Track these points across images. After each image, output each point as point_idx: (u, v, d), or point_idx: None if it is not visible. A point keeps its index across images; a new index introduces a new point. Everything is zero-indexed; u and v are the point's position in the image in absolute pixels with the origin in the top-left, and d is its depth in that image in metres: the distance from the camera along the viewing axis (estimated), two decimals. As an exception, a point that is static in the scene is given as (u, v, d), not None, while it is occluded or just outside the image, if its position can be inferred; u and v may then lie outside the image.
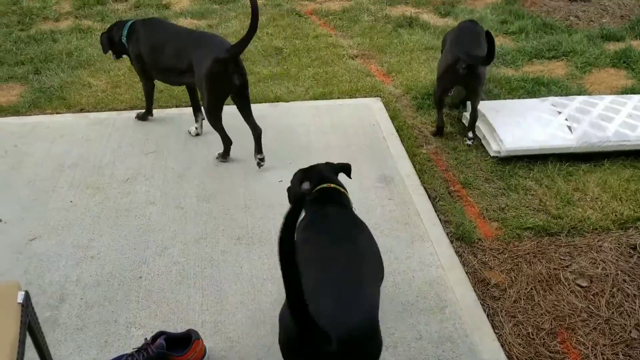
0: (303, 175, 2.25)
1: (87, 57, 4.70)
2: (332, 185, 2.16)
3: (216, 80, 3.00)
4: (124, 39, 3.39)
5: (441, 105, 3.58)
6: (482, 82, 3.46)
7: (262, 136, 3.25)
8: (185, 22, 5.51)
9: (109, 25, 3.56)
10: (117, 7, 5.79)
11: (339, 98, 4.09)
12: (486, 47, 3.16)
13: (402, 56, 4.81)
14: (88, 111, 3.88)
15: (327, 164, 2.33)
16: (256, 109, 3.83)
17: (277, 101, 4.06)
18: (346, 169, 2.37)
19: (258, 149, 3.24)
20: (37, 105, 3.94)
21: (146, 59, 3.33)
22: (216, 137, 3.32)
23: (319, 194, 2.12)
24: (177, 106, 3.96)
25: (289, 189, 2.37)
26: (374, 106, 3.92)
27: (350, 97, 4.11)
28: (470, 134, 3.56)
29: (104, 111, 3.88)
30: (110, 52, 3.55)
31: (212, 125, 3.22)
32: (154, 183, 3.12)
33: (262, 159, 3.23)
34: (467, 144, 3.53)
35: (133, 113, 3.80)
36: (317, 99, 4.09)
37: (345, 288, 1.66)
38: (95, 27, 5.27)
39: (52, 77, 4.33)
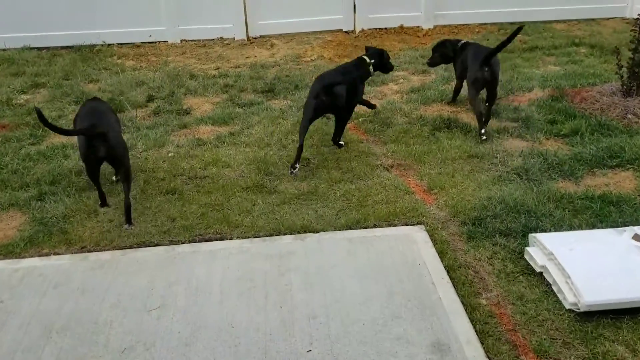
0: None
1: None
2: None
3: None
4: None
5: (479, 104, 4.72)
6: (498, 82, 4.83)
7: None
8: (206, 129, 5.15)
9: None
10: (136, 114, 5.49)
11: (375, 226, 3.56)
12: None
13: (444, 167, 4.29)
14: (89, 250, 3.41)
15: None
16: (282, 243, 3.35)
17: (305, 230, 3.54)
18: None
19: (127, 218, 3.62)
20: (34, 243, 3.50)
21: None
22: (229, 281, 2.78)
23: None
24: (190, 241, 3.47)
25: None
26: (418, 238, 3.36)
27: (389, 223, 3.58)
28: (483, 131, 4.66)
29: (107, 249, 3.41)
30: None
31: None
32: (155, 355, 2.57)
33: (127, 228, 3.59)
34: (483, 138, 4.63)
35: (140, 252, 3.32)
36: (350, 227, 3.56)
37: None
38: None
39: (57, 203, 3.91)
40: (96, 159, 3.59)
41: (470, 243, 3.38)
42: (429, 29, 7.97)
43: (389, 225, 3.55)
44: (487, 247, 3.31)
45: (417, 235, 3.38)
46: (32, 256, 3.37)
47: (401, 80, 6.21)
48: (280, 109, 5.55)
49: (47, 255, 3.38)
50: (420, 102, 5.52)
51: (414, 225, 3.53)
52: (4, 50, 7.38)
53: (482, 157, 4.40)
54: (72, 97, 5.90)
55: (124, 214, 3.65)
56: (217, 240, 3.45)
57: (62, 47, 7.55)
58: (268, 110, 5.53)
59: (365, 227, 3.54)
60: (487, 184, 4.00)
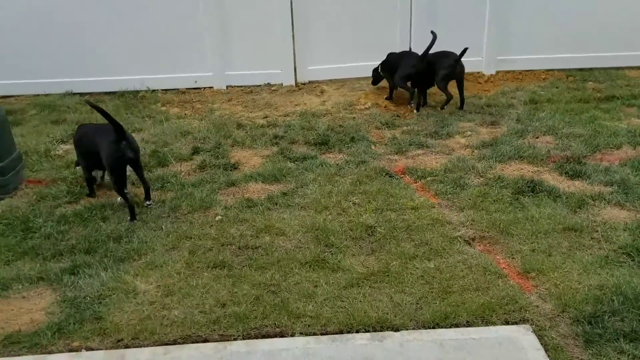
0: None
1: (139, 244, 3.83)
2: None
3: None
4: None
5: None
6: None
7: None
8: (257, 188, 4.65)
9: None
10: (181, 169, 5.04)
11: (468, 323, 2.93)
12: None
13: (536, 242, 3.66)
14: (126, 345, 2.88)
15: None
16: (356, 344, 2.78)
17: (381, 326, 2.94)
18: None
19: (147, 196, 4.35)
20: (64, 332, 2.99)
21: None
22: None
23: None
24: (245, 336, 2.90)
25: None
26: (525, 343, 2.72)
27: (485, 320, 2.95)
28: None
29: (147, 345, 2.87)
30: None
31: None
32: None
33: (149, 205, 4.30)
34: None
35: (185, 351, 2.77)
36: (437, 323, 2.95)
37: None
38: (152, 199, 4.46)
39: (92, 279, 3.43)
40: (124, 162, 4.06)
41: (589, 350, 2.72)
42: (491, 75, 7.41)
43: (485, 322, 2.92)
44: (613, 358, 2.65)
45: (524, 339, 2.74)
46: (60, 350, 2.86)
47: (468, 132, 5.63)
48: (337, 164, 5.02)
49: (77, 349, 2.86)
50: (495, 159, 4.92)
51: (516, 323, 2.89)
52: (46, 95, 7.12)
53: (580, 231, 3.76)
54: (113, 148, 5.49)
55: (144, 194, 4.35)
56: (276, 336, 2.88)
57: (105, 93, 7.27)
58: (323, 165, 5.01)
59: (457, 325, 2.92)
60: (594, 267, 3.35)
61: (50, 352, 2.83)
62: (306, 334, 2.88)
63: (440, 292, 3.19)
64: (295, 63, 7.41)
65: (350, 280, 3.35)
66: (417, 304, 3.12)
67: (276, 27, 7.19)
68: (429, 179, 4.66)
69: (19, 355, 2.83)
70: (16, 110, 6.70)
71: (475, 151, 5.16)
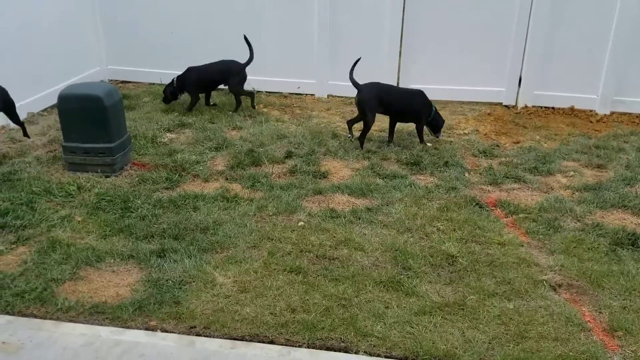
0: None
1: (223, 237, 3.99)
2: None
3: None
4: None
5: None
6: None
7: None
8: (342, 199, 4.69)
9: None
10: (273, 170, 5.18)
11: (541, 374, 2.78)
12: None
13: (629, 299, 3.41)
14: (198, 333, 3.00)
15: None
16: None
17: (448, 360, 2.86)
18: None
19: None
20: (144, 310, 3.18)
21: None
22: None
23: None
24: (310, 345, 2.92)
25: None
26: (601, 407, 2.54)
27: (559, 373, 2.78)
28: None
29: (217, 336, 2.98)
30: None
31: None
32: None
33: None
34: None
35: (250, 349, 2.85)
36: (506, 367, 2.82)
37: None
38: (242, 196, 4.64)
39: (176, 264, 3.62)
40: None
41: None
42: (605, 114, 6.97)
43: (560, 377, 2.76)
44: None
45: (602, 403, 2.55)
46: (138, 327, 3.04)
47: (571, 172, 5.33)
48: (426, 187, 4.94)
49: (153, 329, 3.02)
50: (596, 205, 4.63)
51: (594, 384, 2.70)
52: (160, 85, 7.57)
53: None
54: (213, 143, 5.76)
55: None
56: (340, 350, 2.89)
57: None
58: (412, 186, 4.95)
59: (528, 374, 2.78)
60: (694, 338, 3.06)
61: (128, 327, 3.02)
62: (370, 354, 2.87)
63: (516, 336, 3.05)
64: (398, 79, 7.40)
65: (423, 307, 3.29)
66: (490, 343, 3.00)
67: (384, 45, 7.21)
68: (521, 215, 4.47)
69: (101, 325, 3.03)
70: (132, 96, 7.22)
71: (576, 193, 4.88)
